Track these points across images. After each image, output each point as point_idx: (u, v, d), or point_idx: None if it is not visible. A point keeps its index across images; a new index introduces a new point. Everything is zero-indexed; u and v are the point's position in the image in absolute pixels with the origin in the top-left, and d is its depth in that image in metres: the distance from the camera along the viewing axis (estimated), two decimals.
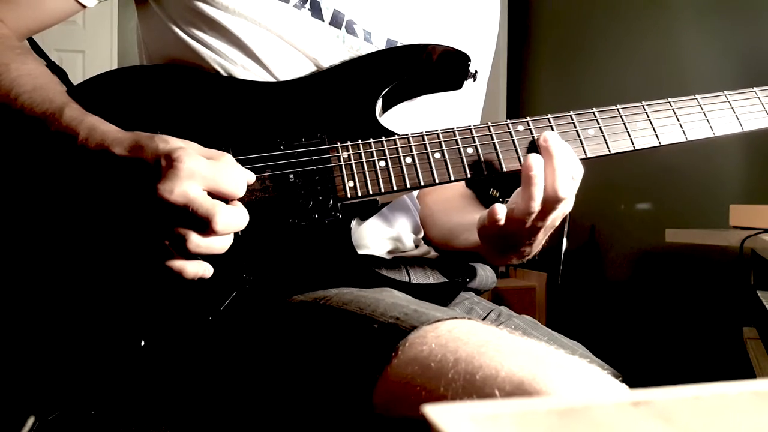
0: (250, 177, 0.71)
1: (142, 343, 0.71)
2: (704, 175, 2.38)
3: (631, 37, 2.82)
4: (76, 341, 0.71)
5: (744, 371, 1.59)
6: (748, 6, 2.31)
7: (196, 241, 0.65)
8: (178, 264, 0.67)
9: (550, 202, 0.72)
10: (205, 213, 0.64)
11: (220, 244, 0.67)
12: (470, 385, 0.53)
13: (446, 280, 0.86)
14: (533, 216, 0.73)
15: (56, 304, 0.72)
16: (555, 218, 0.75)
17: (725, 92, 0.84)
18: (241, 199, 0.68)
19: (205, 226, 0.65)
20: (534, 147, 0.77)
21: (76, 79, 0.81)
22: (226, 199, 0.67)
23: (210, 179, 0.65)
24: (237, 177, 0.68)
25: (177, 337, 0.72)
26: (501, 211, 0.72)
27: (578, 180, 0.75)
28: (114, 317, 0.71)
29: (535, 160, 0.72)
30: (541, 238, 0.78)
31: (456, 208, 0.95)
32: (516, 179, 0.76)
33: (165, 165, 0.64)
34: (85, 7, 0.85)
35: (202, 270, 0.68)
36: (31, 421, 0.67)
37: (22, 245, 0.74)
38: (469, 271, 0.91)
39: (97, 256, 0.72)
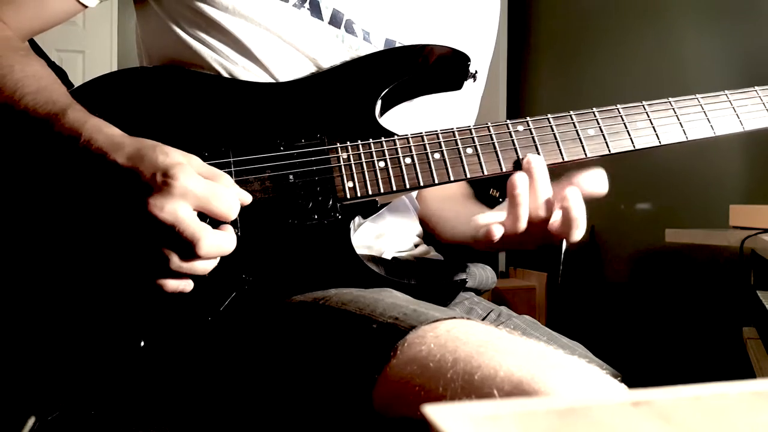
0: (246, 198, 0.70)
1: (142, 344, 0.71)
2: (704, 175, 2.38)
3: (630, 36, 2.82)
4: (76, 341, 0.71)
5: (744, 371, 1.59)
6: (748, 6, 2.31)
7: (177, 263, 0.65)
8: (159, 279, 0.67)
9: (536, 224, 0.74)
10: (190, 236, 0.63)
11: (202, 266, 0.67)
12: (469, 385, 0.53)
13: (446, 280, 0.86)
14: (521, 233, 0.74)
15: (56, 304, 0.72)
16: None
17: (726, 91, 0.83)
18: None
19: (189, 249, 0.64)
20: (519, 165, 0.77)
21: (76, 79, 0.81)
22: (218, 221, 0.67)
23: (203, 199, 0.64)
24: (231, 199, 0.66)
25: (176, 338, 0.72)
26: (498, 231, 0.73)
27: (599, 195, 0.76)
28: (113, 317, 0.71)
29: (520, 179, 0.73)
30: (531, 242, 0.79)
31: (453, 202, 0.96)
32: None
33: (160, 181, 0.63)
34: (86, 6, 0.85)
35: (182, 286, 0.68)
36: (31, 421, 0.67)
37: (22, 246, 0.74)
38: (465, 269, 0.91)
39: (96, 257, 0.72)
